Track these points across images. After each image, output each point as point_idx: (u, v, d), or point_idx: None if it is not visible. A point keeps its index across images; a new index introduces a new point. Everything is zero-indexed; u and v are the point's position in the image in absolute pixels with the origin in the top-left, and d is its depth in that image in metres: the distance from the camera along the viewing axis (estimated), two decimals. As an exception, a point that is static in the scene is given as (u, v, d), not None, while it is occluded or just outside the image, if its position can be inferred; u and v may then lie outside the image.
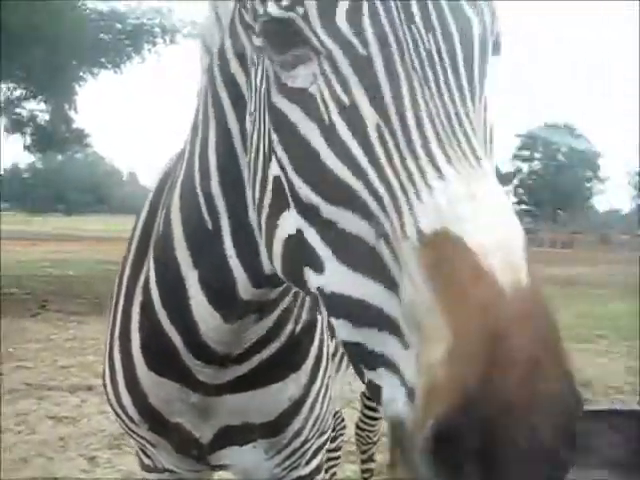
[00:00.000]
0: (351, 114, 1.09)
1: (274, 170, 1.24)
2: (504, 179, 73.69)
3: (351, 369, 2.37)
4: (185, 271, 1.69)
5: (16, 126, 17.62)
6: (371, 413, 3.91)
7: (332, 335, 1.90)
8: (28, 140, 17.90)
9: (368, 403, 3.86)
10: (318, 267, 1.13)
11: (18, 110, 17.48)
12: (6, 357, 8.97)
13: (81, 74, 15.70)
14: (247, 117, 1.40)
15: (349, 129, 1.09)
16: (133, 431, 2.01)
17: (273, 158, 1.24)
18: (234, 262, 1.58)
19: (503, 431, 0.81)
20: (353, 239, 1.06)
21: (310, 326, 1.87)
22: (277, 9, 1.17)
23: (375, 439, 4.07)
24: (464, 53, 1.13)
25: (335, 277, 1.09)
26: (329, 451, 2.58)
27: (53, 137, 17.63)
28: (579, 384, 0.91)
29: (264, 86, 1.27)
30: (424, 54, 1.09)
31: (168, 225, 1.74)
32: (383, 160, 1.04)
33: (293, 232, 1.19)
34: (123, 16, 15.80)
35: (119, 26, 15.65)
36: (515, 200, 76.04)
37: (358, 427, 4.05)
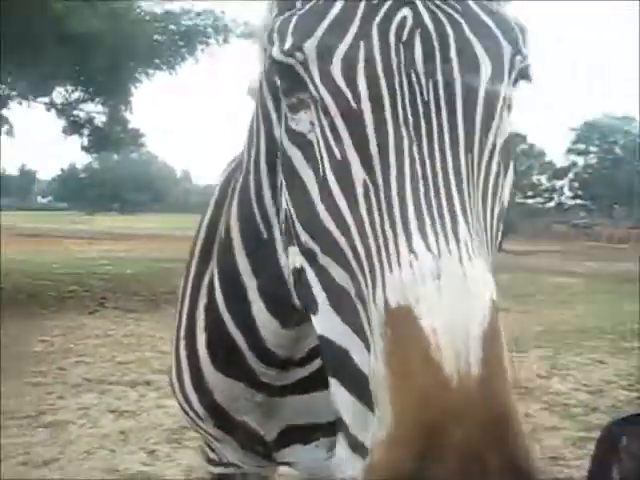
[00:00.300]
0: (342, 168, 1.06)
1: (284, 204, 1.25)
2: (559, 173, 72.21)
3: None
4: (245, 277, 1.72)
5: (74, 128, 18.06)
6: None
7: None
8: (85, 141, 18.33)
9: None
10: (314, 308, 1.14)
11: (76, 112, 17.94)
12: (67, 352, 9.25)
13: (136, 75, 16.00)
14: None
15: (339, 184, 1.06)
16: (199, 426, 2.06)
17: (283, 192, 1.25)
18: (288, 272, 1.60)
19: None
20: (342, 291, 1.05)
21: None
22: (279, 53, 1.16)
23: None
24: (466, 101, 1.06)
25: (325, 322, 1.10)
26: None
27: (109, 138, 18.01)
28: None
29: (283, 120, 1.25)
30: (420, 106, 1.04)
31: (228, 232, 1.76)
32: (366, 221, 1.01)
33: (298, 267, 1.20)
34: (177, 17, 16.02)
35: (173, 27, 15.89)
36: (570, 195, 74.50)
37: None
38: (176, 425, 6.09)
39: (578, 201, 75.37)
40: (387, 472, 0.82)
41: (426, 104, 1.04)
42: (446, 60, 1.06)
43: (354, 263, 1.02)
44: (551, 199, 75.81)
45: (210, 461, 2.33)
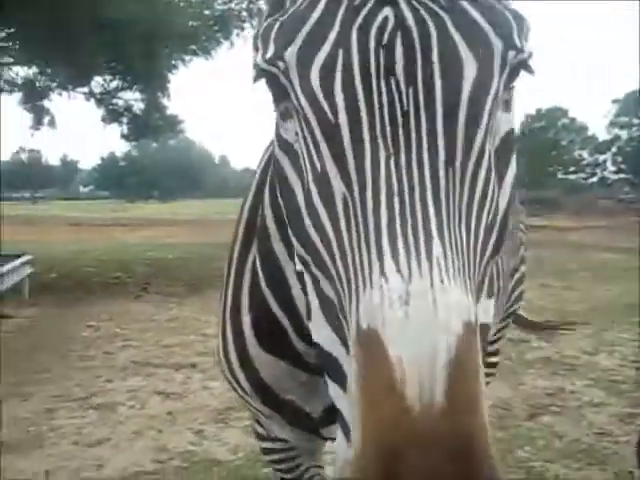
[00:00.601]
0: (323, 181, 1.03)
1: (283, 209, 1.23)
2: (601, 148, 70.67)
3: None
4: (283, 263, 1.72)
5: (113, 116, 18.28)
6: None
7: None
8: (125, 129, 18.56)
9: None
10: (309, 313, 1.15)
11: (114, 101, 18.15)
12: (113, 337, 9.44)
13: (172, 62, 16.09)
14: None
15: (321, 197, 1.04)
16: (248, 402, 2.10)
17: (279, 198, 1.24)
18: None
19: None
20: (331, 303, 1.05)
21: None
22: (262, 62, 1.12)
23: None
24: (447, 109, 0.99)
25: (318, 329, 1.11)
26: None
27: (148, 125, 18.18)
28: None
29: (274, 127, 1.23)
30: (399, 116, 0.98)
31: (264, 219, 1.78)
32: (345, 237, 0.98)
33: (299, 270, 1.20)
34: (211, 2, 16.03)
35: (207, 12, 15.90)
36: (613, 169, 72.90)
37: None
38: (222, 406, 6.19)
39: (621, 175, 73.72)
40: None
41: (405, 114, 0.98)
42: (427, 65, 0.99)
43: (336, 279, 1.00)
44: (594, 174, 74.24)
45: (259, 436, 2.37)
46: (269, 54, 1.11)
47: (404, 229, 0.92)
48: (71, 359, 8.15)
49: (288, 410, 1.99)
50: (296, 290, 1.71)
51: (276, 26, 1.13)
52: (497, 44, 1.04)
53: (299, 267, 1.18)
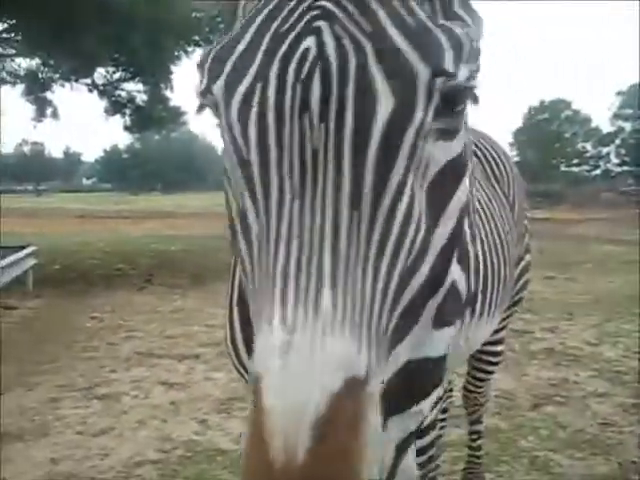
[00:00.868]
0: (243, 217, 1.03)
1: None
2: (605, 140, 70.43)
3: (467, 324, 2.35)
4: None
5: (116, 108, 18.21)
6: (479, 374, 3.89)
7: None
8: (127, 121, 18.50)
9: (476, 365, 3.85)
10: None
11: (117, 92, 18.09)
12: (117, 328, 9.46)
13: (175, 53, 16.03)
14: None
15: (241, 229, 1.04)
16: None
17: None
18: None
19: None
20: None
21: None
22: (198, 94, 1.11)
23: (483, 401, 4.03)
24: (356, 148, 0.94)
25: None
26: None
27: (151, 116, 18.10)
28: None
29: None
30: (309, 156, 0.94)
31: None
32: (257, 273, 0.99)
33: None
34: (214, -7, 15.98)
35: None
36: (617, 161, 72.63)
37: (465, 389, 4.03)
38: (225, 396, 6.21)
39: (625, 168, 73.49)
40: None
41: (315, 154, 0.94)
42: (341, 101, 0.94)
43: (252, 309, 1.04)
44: (597, 167, 74.03)
45: None
46: (203, 86, 1.09)
47: (298, 276, 0.90)
48: (75, 350, 8.17)
49: None
50: None
51: (212, 54, 1.10)
52: (422, 72, 0.96)
53: None
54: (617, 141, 72.46)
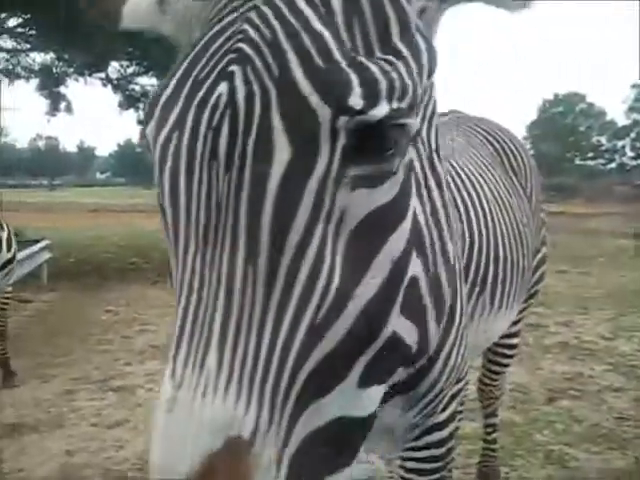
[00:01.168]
0: (171, 265, 1.02)
1: None
2: (620, 133, 69.81)
3: (486, 315, 2.33)
4: None
5: (130, 102, 18.25)
6: (495, 367, 3.88)
7: None
8: (141, 115, 18.51)
9: (492, 358, 3.83)
10: None
11: (131, 86, 18.14)
12: (131, 322, 9.51)
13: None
14: None
15: (174, 278, 1.00)
16: None
17: None
18: None
19: None
20: None
21: (434, 287, 1.79)
22: (140, 136, 1.11)
23: (498, 394, 4.02)
24: (252, 201, 0.89)
25: None
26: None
27: (165, 111, 18.13)
28: None
29: None
30: (214, 208, 0.91)
31: None
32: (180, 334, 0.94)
33: None
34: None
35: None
36: (632, 155, 71.98)
37: (481, 382, 4.01)
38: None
39: (640, 161, 72.83)
40: None
41: (218, 206, 0.91)
42: (243, 152, 0.90)
43: None
44: (612, 160, 73.48)
45: None
46: (144, 128, 1.08)
47: (192, 331, 0.89)
48: (90, 343, 8.22)
49: None
50: None
51: (152, 95, 1.09)
52: (322, 113, 0.89)
53: None
54: (632, 134, 71.77)
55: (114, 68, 17.27)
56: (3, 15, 14.23)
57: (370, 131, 0.92)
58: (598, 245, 19.00)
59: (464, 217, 2.09)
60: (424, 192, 1.10)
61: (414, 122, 0.99)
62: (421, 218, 1.08)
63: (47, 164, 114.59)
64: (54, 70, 16.84)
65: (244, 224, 0.89)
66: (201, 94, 0.96)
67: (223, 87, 0.94)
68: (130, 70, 17.45)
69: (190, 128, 0.96)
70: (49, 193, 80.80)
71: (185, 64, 1.04)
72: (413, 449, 2.04)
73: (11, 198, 31.98)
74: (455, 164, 2.28)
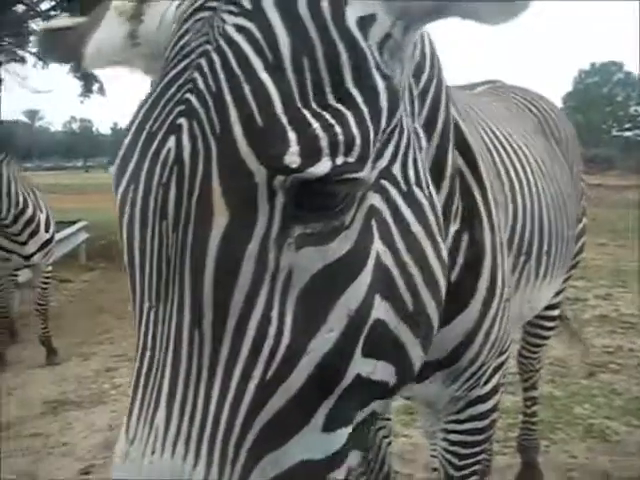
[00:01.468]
0: None
1: None
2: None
3: (531, 286, 2.30)
4: None
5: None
6: (535, 340, 3.84)
7: None
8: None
9: (531, 330, 3.79)
10: None
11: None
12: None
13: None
14: None
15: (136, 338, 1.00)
16: None
17: None
18: None
19: None
20: None
21: (472, 265, 1.72)
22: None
23: (538, 367, 3.98)
24: (194, 262, 0.89)
25: None
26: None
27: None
28: None
29: None
30: (164, 266, 0.91)
31: None
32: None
33: None
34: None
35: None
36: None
37: (521, 355, 3.98)
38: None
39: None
40: None
41: (168, 264, 0.91)
42: (187, 213, 0.89)
43: None
44: (650, 130, 71.84)
45: None
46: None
47: (145, 389, 0.89)
48: (129, 320, 8.27)
49: None
50: None
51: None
52: (259, 174, 0.86)
53: None
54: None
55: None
56: (35, -2, 14.35)
57: (313, 189, 0.88)
58: (636, 218, 18.64)
59: (508, 187, 2.05)
60: (395, 229, 1.04)
61: (364, 175, 0.94)
62: (388, 260, 1.02)
63: (81, 146, 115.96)
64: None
65: (188, 285, 0.88)
66: (154, 147, 0.95)
67: (172, 141, 0.93)
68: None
69: (143, 183, 0.95)
70: (84, 174, 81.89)
71: (142, 112, 1.02)
72: (456, 421, 2.03)
73: (47, 180, 32.45)
74: (499, 133, 2.24)
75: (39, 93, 17.77)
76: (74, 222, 13.06)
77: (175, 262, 0.89)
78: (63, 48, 1.42)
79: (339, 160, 0.89)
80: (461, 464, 2.10)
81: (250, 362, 0.89)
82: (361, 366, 0.98)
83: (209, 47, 0.96)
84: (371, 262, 0.98)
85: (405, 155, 1.09)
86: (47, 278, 7.11)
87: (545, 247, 2.26)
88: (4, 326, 7.13)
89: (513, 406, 4.79)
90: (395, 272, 1.03)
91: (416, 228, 1.08)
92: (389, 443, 2.80)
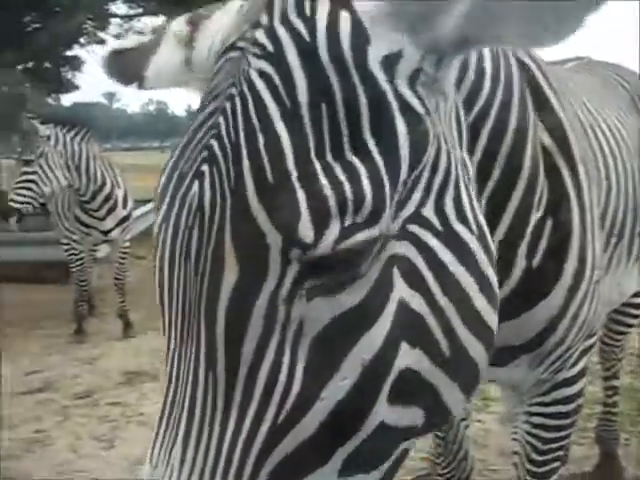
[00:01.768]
0: None
1: None
2: None
3: (622, 268, 2.21)
4: None
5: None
6: (619, 327, 3.71)
7: None
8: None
9: (615, 317, 3.66)
10: None
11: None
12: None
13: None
14: None
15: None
16: None
17: None
18: None
19: None
20: None
21: (557, 249, 1.65)
22: None
23: (621, 356, 3.85)
24: (208, 312, 0.90)
25: None
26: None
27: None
28: None
29: None
30: (187, 308, 0.93)
31: None
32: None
33: None
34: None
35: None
36: None
37: (603, 342, 3.84)
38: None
39: None
40: None
41: (190, 306, 0.93)
42: (205, 261, 0.91)
43: None
44: None
45: None
46: None
47: (167, 424, 0.92)
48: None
49: None
50: None
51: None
52: (272, 237, 0.86)
53: None
54: None
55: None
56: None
57: (326, 256, 0.87)
58: None
59: (601, 163, 1.96)
60: (429, 273, 0.99)
61: (376, 233, 0.90)
62: (418, 305, 0.98)
63: (157, 127, 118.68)
64: (164, 34, 17.28)
65: (204, 331, 0.91)
66: (183, 189, 0.97)
67: (196, 186, 0.94)
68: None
69: (173, 223, 0.97)
70: (160, 155, 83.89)
71: (178, 150, 1.04)
72: (541, 404, 1.98)
73: (125, 160, 33.38)
74: (592, 109, 2.15)
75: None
76: (150, 200, 13.34)
77: (194, 306, 0.92)
78: (126, 70, 1.52)
79: (348, 220, 0.87)
80: (545, 448, 2.04)
81: (262, 406, 0.90)
82: (386, 414, 0.97)
83: (234, 91, 0.95)
84: (391, 310, 0.95)
85: (440, 195, 1.03)
86: (124, 254, 7.32)
87: (638, 228, 2.16)
88: (84, 299, 7.36)
89: (591, 396, 4.63)
90: (428, 317, 0.99)
91: (456, 268, 1.03)
92: (467, 426, 2.76)
